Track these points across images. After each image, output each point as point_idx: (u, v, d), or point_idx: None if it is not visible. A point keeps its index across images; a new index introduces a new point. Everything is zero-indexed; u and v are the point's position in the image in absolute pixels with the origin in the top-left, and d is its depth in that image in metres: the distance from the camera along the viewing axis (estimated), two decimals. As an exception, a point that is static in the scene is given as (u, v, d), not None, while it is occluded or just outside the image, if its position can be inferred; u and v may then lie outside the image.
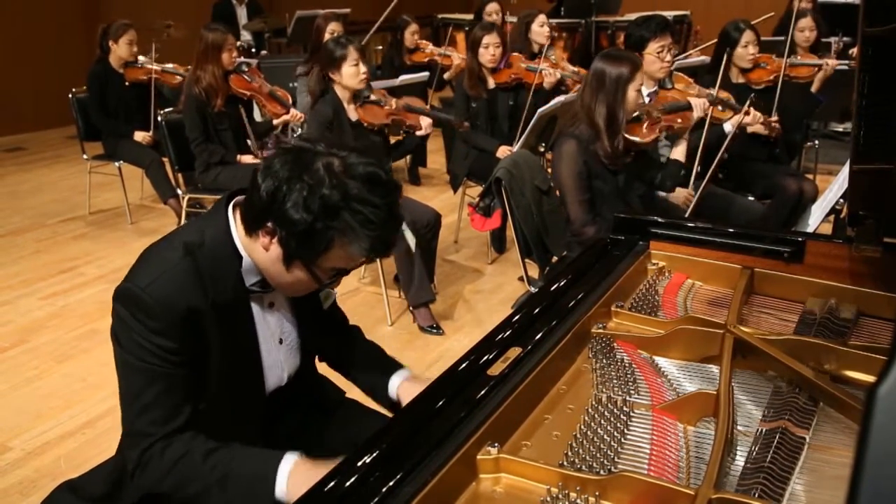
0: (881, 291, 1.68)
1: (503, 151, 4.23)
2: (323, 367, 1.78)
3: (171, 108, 4.45)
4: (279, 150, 1.34)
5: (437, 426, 1.18)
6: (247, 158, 4.24)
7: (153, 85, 4.91)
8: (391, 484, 1.05)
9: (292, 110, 4.34)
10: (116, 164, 4.95)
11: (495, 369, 1.33)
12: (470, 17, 8.30)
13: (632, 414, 1.34)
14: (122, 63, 4.95)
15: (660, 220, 1.98)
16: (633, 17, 5.77)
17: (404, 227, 3.40)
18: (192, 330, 1.36)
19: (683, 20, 7.85)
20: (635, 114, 3.00)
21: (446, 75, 5.93)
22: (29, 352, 3.42)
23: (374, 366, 1.73)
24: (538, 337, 1.45)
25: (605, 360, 1.50)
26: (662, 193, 3.20)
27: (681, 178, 3.18)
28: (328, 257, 1.33)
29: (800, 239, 1.80)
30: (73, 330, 3.61)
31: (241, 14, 7.82)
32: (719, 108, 3.60)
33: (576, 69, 5.45)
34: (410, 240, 3.39)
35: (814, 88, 4.10)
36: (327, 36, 4.91)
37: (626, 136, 2.89)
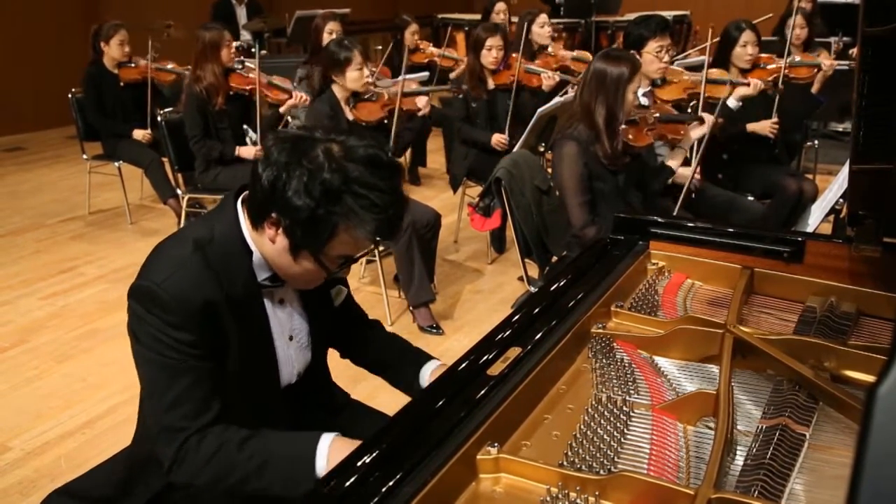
0: (881, 291, 1.68)
1: (497, 139, 4.22)
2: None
3: (170, 108, 4.45)
4: (276, 138, 1.33)
5: (437, 426, 1.18)
6: (245, 151, 4.22)
7: (150, 84, 4.90)
8: (391, 484, 1.05)
9: (294, 93, 4.32)
10: (116, 164, 4.95)
11: (495, 369, 1.33)
12: (470, 16, 8.32)
13: (632, 414, 1.34)
14: (116, 64, 4.95)
15: (659, 219, 1.98)
16: (632, 17, 5.76)
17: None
18: (209, 323, 1.36)
19: (683, 20, 7.86)
20: (632, 116, 3.00)
21: (452, 75, 5.93)
22: (29, 352, 3.42)
23: (402, 358, 1.72)
24: (538, 337, 1.45)
25: (604, 360, 1.50)
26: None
27: (667, 184, 3.15)
28: (334, 244, 1.32)
29: (800, 239, 1.80)
30: (73, 330, 3.61)
31: (241, 14, 7.82)
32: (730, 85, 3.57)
33: (575, 53, 5.46)
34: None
35: (814, 89, 4.10)
36: (326, 36, 4.91)
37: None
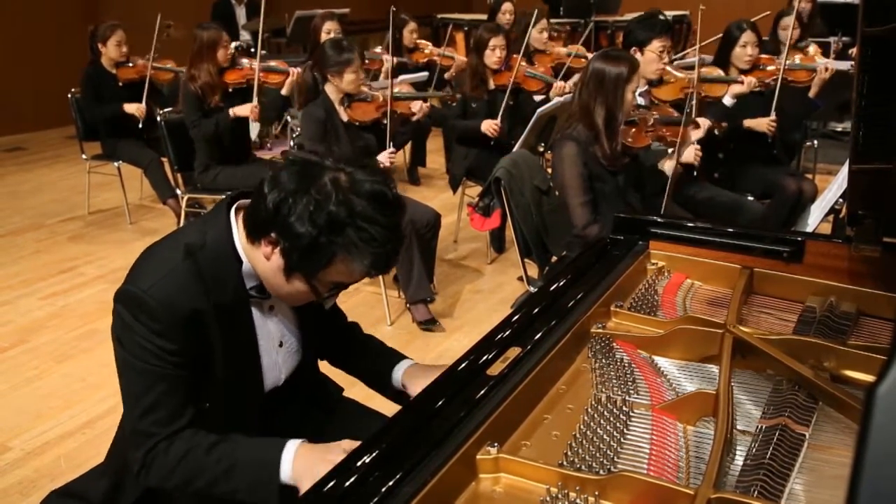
0: (881, 291, 1.68)
1: (488, 126, 4.22)
2: (322, 365, 1.78)
3: (170, 108, 4.45)
4: (287, 161, 1.34)
5: (437, 426, 1.18)
6: (241, 110, 4.20)
7: (147, 80, 4.88)
8: (391, 484, 1.05)
9: (292, 70, 4.30)
10: (116, 164, 4.94)
11: (495, 369, 1.33)
12: (470, 16, 8.31)
13: (631, 414, 1.34)
14: (114, 64, 4.94)
15: (659, 219, 1.98)
16: (632, 17, 5.77)
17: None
18: (193, 332, 1.37)
19: (683, 20, 7.86)
20: (631, 117, 3.00)
21: (447, 75, 5.93)
22: (29, 352, 3.42)
23: (376, 358, 1.74)
24: (538, 337, 1.45)
25: (604, 360, 1.50)
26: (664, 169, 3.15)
27: (657, 189, 3.15)
28: (329, 272, 1.33)
29: (799, 239, 1.80)
30: (72, 330, 3.61)
31: (240, 14, 7.82)
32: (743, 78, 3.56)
33: (575, 48, 5.46)
34: None
35: (812, 93, 4.09)
36: (324, 35, 4.91)
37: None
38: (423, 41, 6.24)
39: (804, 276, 1.77)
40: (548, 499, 1.13)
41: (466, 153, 4.43)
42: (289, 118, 5.05)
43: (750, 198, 3.82)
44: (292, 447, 1.37)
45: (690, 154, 3.11)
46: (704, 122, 3.31)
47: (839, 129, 6.66)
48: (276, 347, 1.54)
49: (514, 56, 4.57)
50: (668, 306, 1.75)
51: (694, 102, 3.55)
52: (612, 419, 1.31)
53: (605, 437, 1.26)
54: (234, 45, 4.79)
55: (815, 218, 3.04)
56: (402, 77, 4.92)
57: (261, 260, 1.37)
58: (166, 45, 5.14)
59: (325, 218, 1.26)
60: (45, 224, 5.14)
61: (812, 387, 1.36)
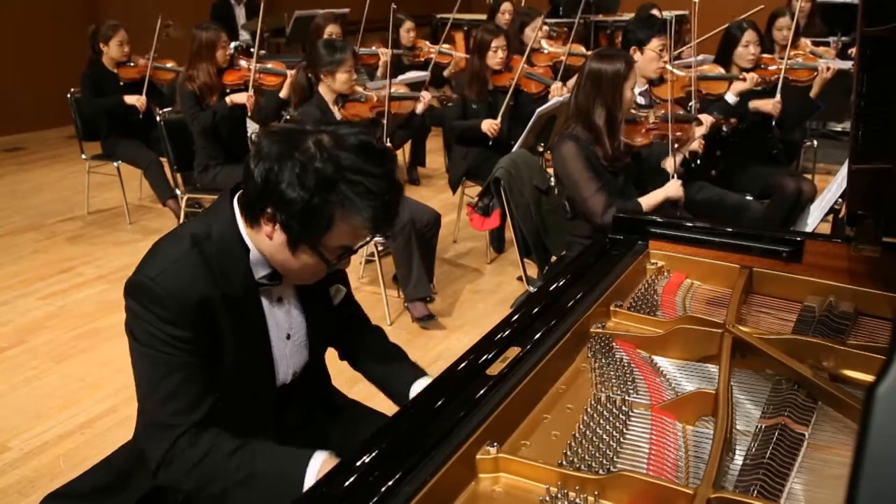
0: (880, 291, 1.68)
1: (488, 125, 4.22)
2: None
3: (169, 108, 4.45)
4: (266, 132, 1.33)
5: (437, 426, 1.18)
6: (238, 98, 4.20)
7: (147, 79, 4.89)
8: (390, 483, 1.05)
9: (289, 73, 4.31)
10: (115, 163, 4.94)
11: (494, 369, 1.33)
12: (469, 16, 8.31)
13: (631, 413, 1.34)
14: (115, 63, 4.95)
15: (659, 219, 1.98)
16: (629, 16, 5.77)
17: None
18: (204, 320, 1.36)
19: (683, 20, 7.86)
20: (632, 115, 2.99)
21: (445, 73, 5.93)
22: (28, 352, 3.42)
23: (396, 370, 1.71)
24: (537, 336, 1.45)
25: (604, 360, 1.50)
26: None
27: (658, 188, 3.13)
28: (332, 235, 1.32)
29: (798, 238, 1.80)
30: (71, 330, 3.61)
31: (240, 14, 7.82)
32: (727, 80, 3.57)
33: (572, 47, 5.45)
34: None
35: (813, 93, 4.09)
36: (325, 37, 4.91)
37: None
38: (422, 41, 6.24)
39: (803, 275, 1.77)
40: (547, 498, 1.13)
41: (466, 153, 4.43)
42: (287, 117, 5.03)
43: (749, 198, 3.82)
44: (317, 462, 1.33)
45: (694, 144, 3.09)
46: (707, 119, 3.30)
47: (839, 129, 6.66)
48: (284, 339, 1.53)
49: (515, 57, 4.57)
50: (668, 306, 1.75)
51: (693, 102, 3.56)
52: (611, 419, 1.31)
53: (604, 436, 1.26)
54: (233, 44, 4.79)
55: (814, 218, 3.04)
56: (401, 77, 4.93)
57: (265, 240, 1.37)
58: (165, 45, 5.14)
59: (314, 178, 1.25)
60: (44, 224, 5.14)
61: (811, 386, 1.36)
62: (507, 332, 1.46)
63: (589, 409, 1.34)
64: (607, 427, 1.29)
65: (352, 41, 5.07)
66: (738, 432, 1.29)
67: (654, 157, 3.17)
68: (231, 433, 1.38)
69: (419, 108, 3.92)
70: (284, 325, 1.53)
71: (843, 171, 2.76)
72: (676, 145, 3.07)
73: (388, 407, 1.71)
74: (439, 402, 1.23)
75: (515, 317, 1.53)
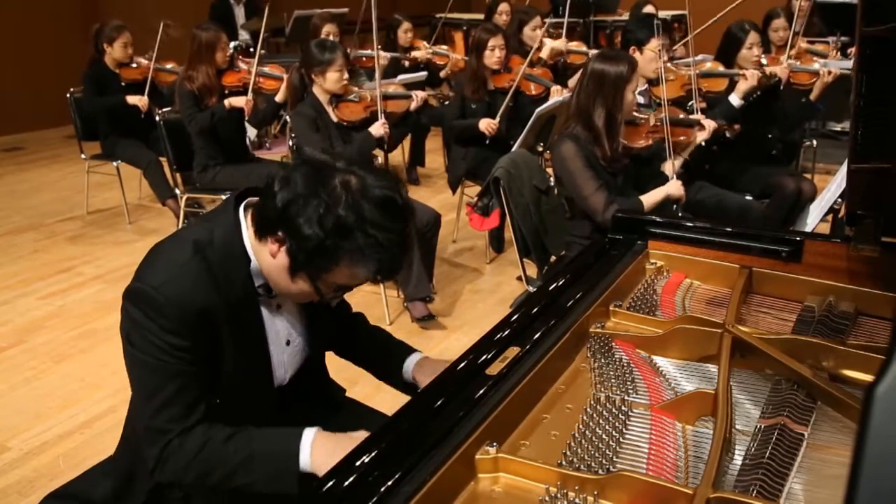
0: (879, 291, 1.68)
1: (486, 125, 4.22)
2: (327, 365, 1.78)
3: (168, 108, 4.45)
4: (298, 161, 1.33)
5: (436, 426, 1.18)
6: (236, 101, 4.20)
7: (149, 80, 4.89)
8: (390, 483, 1.05)
9: (286, 76, 4.31)
10: (115, 163, 4.94)
11: (494, 369, 1.33)
12: (468, 16, 8.31)
13: (630, 413, 1.34)
14: (117, 64, 4.95)
15: (658, 219, 1.98)
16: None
17: None
18: (204, 329, 1.37)
19: (681, 20, 7.85)
20: (633, 117, 2.99)
21: (442, 73, 5.93)
22: (27, 352, 3.42)
23: (385, 351, 1.75)
24: (537, 336, 1.45)
25: (603, 360, 1.50)
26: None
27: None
28: (334, 274, 1.34)
29: (798, 238, 1.80)
30: (71, 330, 3.61)
31: (239, 14, 7.81)
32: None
33: (575, 43, 5.46)
34: None
35: (813, 96, 4.08)
36: (323, 37, 4.92)
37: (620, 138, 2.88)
38: (419, 41, 6.23)
39: (803, 275, 1.77)
40: (547, 498, 1.13)
41: (465, 153, 4.43)
42: (287, 118, 5.04)
43: (749, 197, 3.81)
44: (309, 435, 1.37)
45: (675, 188, 2.95)
46: (710, 125, 3.29)
47: (838, 129, 6.66)
48: (284, 346, 1.54)
49: (514, 57, 4.57)
50: (667, 306, 1.75)
51: (693, 102, 3.55)
52: (611, 419, 1.31)
53: (604, 436, 1.26)
54: (232, 44, 4.79)
55: (813, 217, 3.04)
56: (400, 77, 4.93)
57: (267, 257, 1.37)
58: (165, 45, 5.14)
59: (333, 221, 1.26)
60: (43, 224, 5.13)
61: (811, 386, 1.36)
62: (506, 332, 1.46)
63: (588, 409, 1.34)
64: (607, 427, 1.29)
65: (349, 41, 5.07)
66: (738, 432, 1.29)
67: (656, 161, 3.17)
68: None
69: (413, 106, 3.93)
70: (284, 332, 1.54)
71: (843, 170, 2.76)
72: (676, 149, 3.07)
73: (387, 406, 1.71)
74: (439, 402, 1.23)
75: (515, 317, 1.53)
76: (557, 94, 4.47)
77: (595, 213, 2.79)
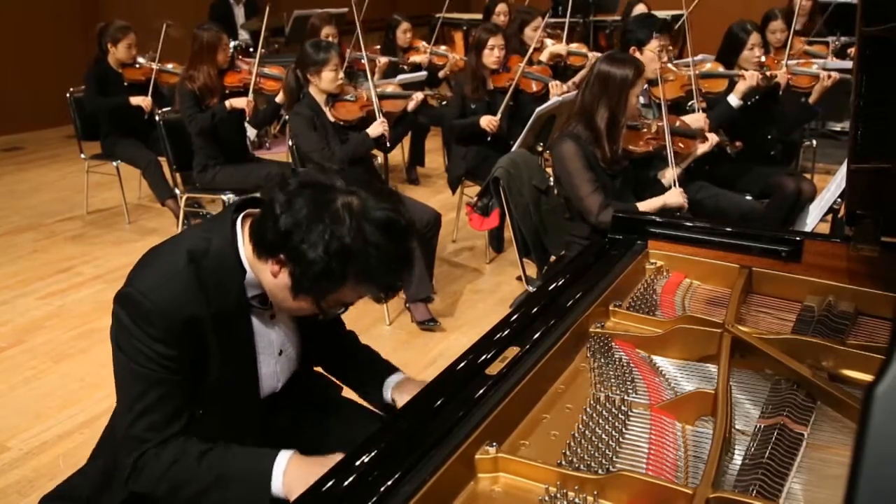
0: (879, 290, 1.68)
1: (487, 122, 4.22)
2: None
3: (168, 108, 4.45)
4: (299, 184, 1.32)
5: (436, 426, 1.18)
6: (237, 102, 4.19)
7: (152, 82, 4.90)
8: (389, 483, 1.05)
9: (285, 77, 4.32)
10: (114, 163, 4.94)
11: (493, 369, 1.33)
12: (467, 16, 8.31)
13: (630, 413, 1.34)
14: (121, 64, 4.95)
15: (658, 219, 1.98)
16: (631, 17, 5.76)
17: None
18: (191, 338, 1.36)
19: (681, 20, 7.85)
20: (635, 122, 2.98)
21: (441, 73, 5.93)
22: (27, 352, 3.42)
23: (368, 370, 1.73)
24: (536, 336, 1.45)
25: (603, 360, 1.50)
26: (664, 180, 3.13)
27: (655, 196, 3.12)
28: (338, 294, 1.34)
29: (798, 238, 1.80)
30: (70, 330, 3.61)
31: (239, 13, 7.81)
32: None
33: (575, 46, 5.45)
34: None
35: (812, 99, 4.08)
36: (323, 38, 4.91)
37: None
38: (418, 41, 6.23)
39: (803, 275, 1.77)
40: (546, 498, 1.13)
41: (465, 153, 4.43)
42: (287, 117, 5.04)
43: (749, 198, 3.81)
44: (283, 459, 1.36)
45: (676, 197, 2.92)
46: (713, 138, 3.29)
47: (838, 129, 6.66)
48: (276, 356, 1.53)
49: (513, 57, 4.56)
50: (667, 306, 1.75)
51: (693, 102, 3.55)
52: (610, 419, 1.31)
53: (603, 436, 1.26)
54: (232, 44, 4.79)
55: (813, 217, 3.04)
56: (400, 77, 4.93)
57: (267, 276, 1.37)
58: (165, 45, 5.14)
59: (337, 246, 1.26)
60: (43, 224, 5.13)
61: (810, 386, 1.36)
62: (506, 332, 1.46)
63: (588, 409, 1.34)
64: (606, 427, 1.29)
65: (349, 42, 5.07)
66: (738, 432, 1.29)
67: (655, 164, 3.17)
68: (214, 441, 1.40)
69: (410, 105, 3.93)
70: (277, 342, 1.53)
71: (842, 170, 2.76)
72: (675, 159, 3.06)
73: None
74: (438, 402, 1.23)
75: (514, 316, 1.53)
76: (556, 90, 4.47)
77: (589, 214, 2.80)
